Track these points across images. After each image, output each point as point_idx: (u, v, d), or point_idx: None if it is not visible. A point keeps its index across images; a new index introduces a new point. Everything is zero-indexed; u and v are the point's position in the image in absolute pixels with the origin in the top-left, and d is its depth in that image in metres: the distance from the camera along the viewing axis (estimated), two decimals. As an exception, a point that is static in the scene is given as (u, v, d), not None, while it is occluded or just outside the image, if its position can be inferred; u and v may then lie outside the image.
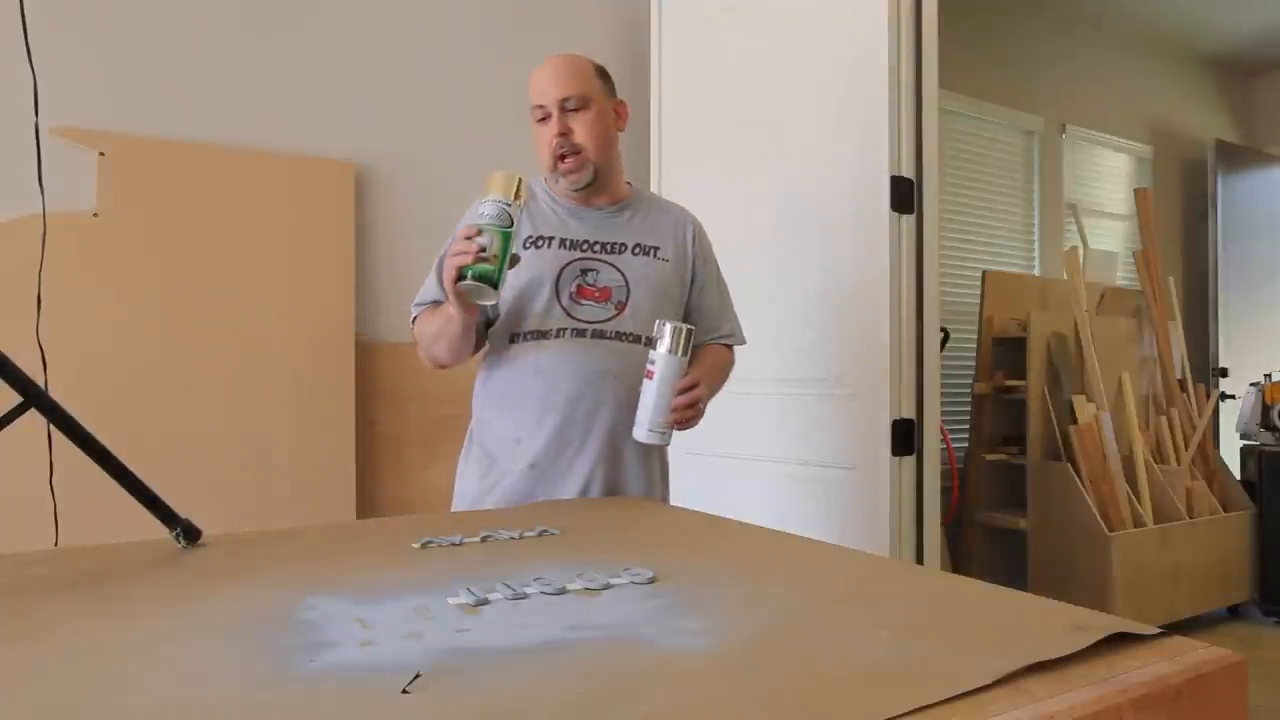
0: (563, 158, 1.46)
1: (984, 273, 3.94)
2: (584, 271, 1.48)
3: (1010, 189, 4.52)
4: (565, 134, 1.45)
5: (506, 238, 1.24)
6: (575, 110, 1.46)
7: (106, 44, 2.06)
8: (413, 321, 1.52)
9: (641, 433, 1.35)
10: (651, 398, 1.35)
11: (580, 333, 1.45)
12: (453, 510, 1.49)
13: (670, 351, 1.34)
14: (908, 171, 2.01)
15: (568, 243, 1.49)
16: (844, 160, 2.10)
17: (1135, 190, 4.68)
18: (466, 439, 1.54)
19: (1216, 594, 3.71)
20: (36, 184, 1.21)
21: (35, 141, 1.21)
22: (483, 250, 1.23)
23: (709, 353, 1.59)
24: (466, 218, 1.49)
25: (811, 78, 2.19)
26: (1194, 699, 0.55)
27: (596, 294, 1.48)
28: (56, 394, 0.96)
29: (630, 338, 1.48)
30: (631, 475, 1.48)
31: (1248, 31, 5.02)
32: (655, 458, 1.55)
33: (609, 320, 1.47)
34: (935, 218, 2.06)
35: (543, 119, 1.47)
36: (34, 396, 0.92)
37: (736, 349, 1.68)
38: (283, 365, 2.19)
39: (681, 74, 2.58)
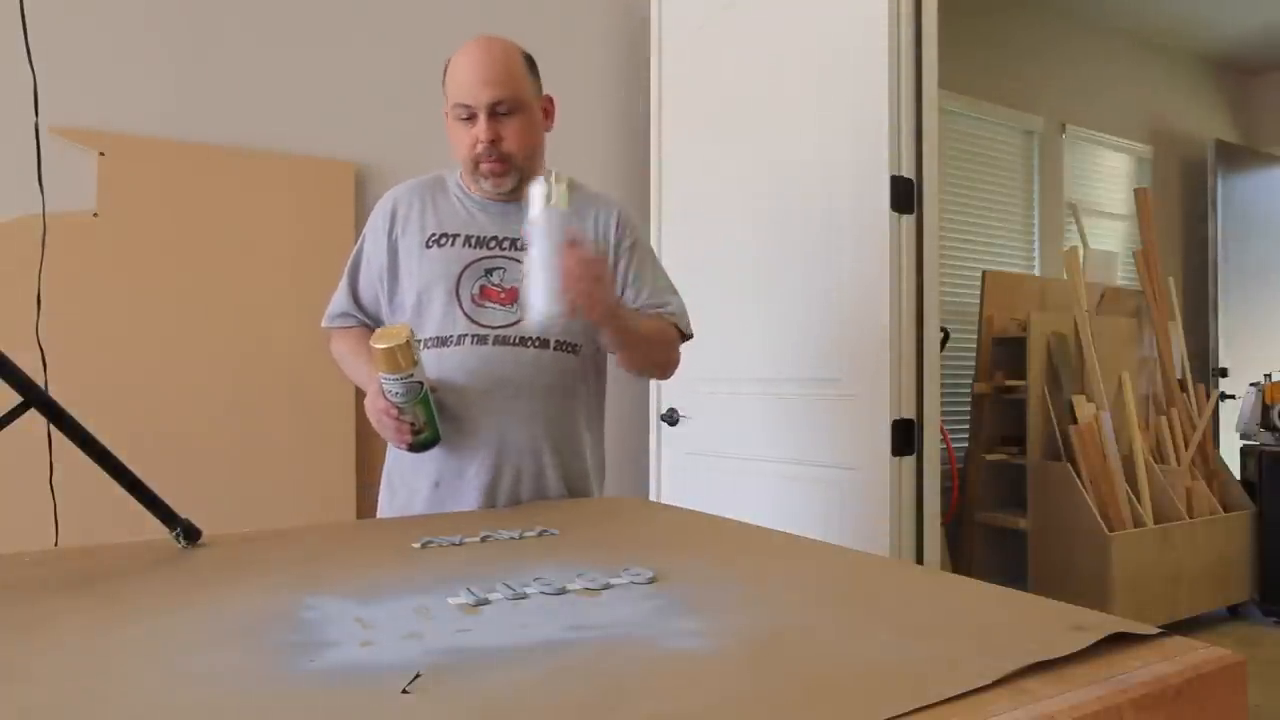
0: (485, 160, 1.35)
1: (984, 273, 3.94)
2: (489, 271, 1.37)
3: (1010, 189, 4.52)
4: (494, 141, 1.33)
5: (425, 401, 1.25)
6: (506, 114, 1.33)
7: (106, 44, 2.06)
8: (328, 331, 1.49)
9: (531, 316, 1.14)
10: (535, 268, 1.12)
11: (481, 339, 1.34)
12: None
13: (547, 203, 1.12)
14: (908, 171, 2.01)
15: (472, 240, 1.39)
16: (844, 160, 2.10)
17: (1135, 190, 4.68)
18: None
19: (1216, 594, 3.71)
20: (36, 184, 1.21)
21: (35, 141, 1.21)
22: (414, 425, 1.26)
23: (646, 318, 1.43)
24: (368, 232, 1.46)
25: (811, 77, 2.19)
26: (1194, 699, 0.55)
27: (502, 295, 1.37)
28: (56, 394, 0.96)
29: (536, 343, 1.36)
30: (545, 489, 1.37)
31: (1248, 31, 5.02)
32: (574, 468, 1.42)
33: (513, 325, 1.35)
34: (935, 218, 2.06)
35: (467, 119, 1.34)
36: (34, 396, 0.92)
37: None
38: (283, 365, 2.19)
39: (681, 73, 2.58)
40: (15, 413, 0.91)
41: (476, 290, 1.36)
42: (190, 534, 0.98)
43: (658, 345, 1.43)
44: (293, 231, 2.23)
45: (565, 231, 1.14)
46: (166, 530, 0.98)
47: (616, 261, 1.45)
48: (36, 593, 0.77)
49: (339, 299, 1.48)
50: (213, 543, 1.00)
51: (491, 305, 1.36)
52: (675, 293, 1.50)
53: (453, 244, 1.39)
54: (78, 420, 0.94)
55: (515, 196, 1.40)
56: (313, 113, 2.31)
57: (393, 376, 1.20)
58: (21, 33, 1.15)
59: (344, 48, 2.36)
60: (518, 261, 1.36)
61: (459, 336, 1.35)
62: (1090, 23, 4.77)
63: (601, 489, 1.50)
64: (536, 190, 1.12)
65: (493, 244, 1.39)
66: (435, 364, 1.34)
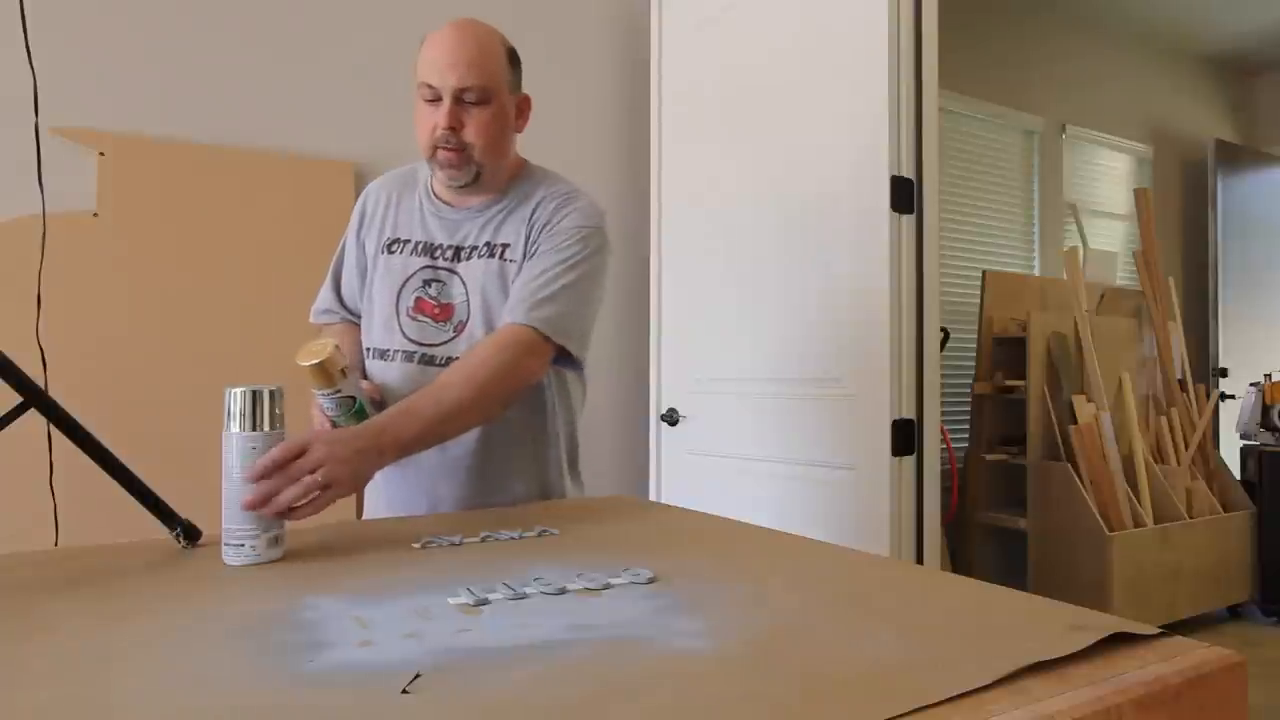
0: (443, 148, 1.25)
1: (984, 273, 3.95)
2: (427, 283, 1.30)
3: (1010, 189, 4.52)
4: (454, 128, 1.24)
5: (360, 415, 1.18)
6: (473, 104, 1.24)
7: (106, 44, 2.06)
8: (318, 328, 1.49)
9: (229, 558, 0.89)
10: (226, 499, 0.92)
11: (410, 356, 1.29)
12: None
13: (237, 428, 0.97)
14: (908, 171, 2.01)
15: (421, 247, 1.33)
16: (844, 160, 2.10)
17: (1135, 190, 4.68)
18: None
19: (1216, 594, 3.71)
20: (36, 184, 1.21)
21: (35, 141, 1.21)
22: None
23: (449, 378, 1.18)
24: (348, 229, 1.45)
25: (811, 77, 2.19)
26: (1194, 699, 0.55)
27: (437, 311, 1.30)
28: (56, 394, 0.96)
29: None
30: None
31: (1248, 31, 5.02)
32: (512, 490, 1.32)
33: (444, 344, 1.28)
34: (935, 218, 2.06)
35: (431, 100, 1.25)
36: (34, 396, 0.92)
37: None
38: (283, 365, 2.18)
39: (681, 74, 2.58)
40: (15, 413, 0.91)
41: (412, 302, 1.31)
42: (190, 534, 0.98)
43: (481, 398, 1.17)
44: (292, 231, 2.23)
45: (251, 461, 0.95)
46: (166, 530, 0.98)
47: (525, 254, 1.30)
48: (36, 593, 0.77)
49: (323, 295, 1.48)
50: (213, 543, 1.00)
51: (424, 319, 1.31)
52: (556, 300, 1.25)
53: (403, 250, 1.34)
54: (78, 420, 0.94)
55: (472, 196, 1.33)
56: (312, 113, 2.31)
57: (321, 392, 1.18)
58: (21, 33, 1.15)
59: (343, 48, 2.36)
60: (457, 275, 1.31)
61: (394, 351, 1.31)
62: (1090, 23, 4.77)
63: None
64: (232, 404, 0.99)
65: (437, 253, 1.32)
66: (380, 377, 1.32)
